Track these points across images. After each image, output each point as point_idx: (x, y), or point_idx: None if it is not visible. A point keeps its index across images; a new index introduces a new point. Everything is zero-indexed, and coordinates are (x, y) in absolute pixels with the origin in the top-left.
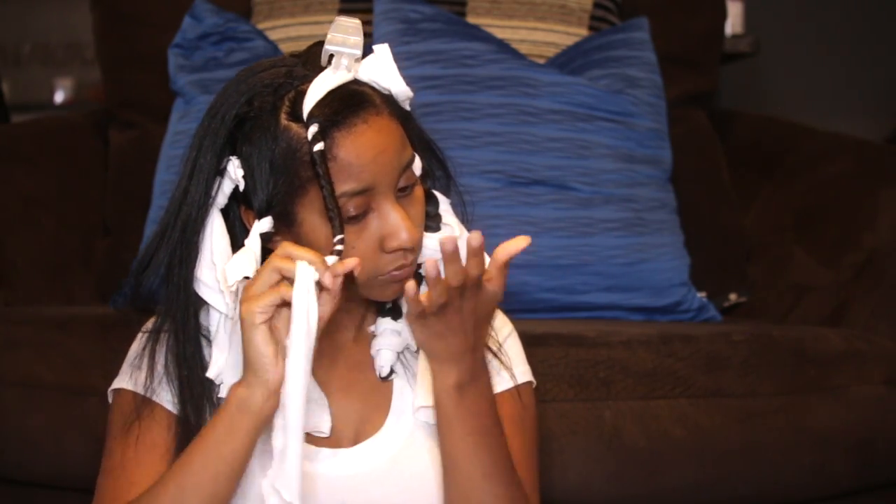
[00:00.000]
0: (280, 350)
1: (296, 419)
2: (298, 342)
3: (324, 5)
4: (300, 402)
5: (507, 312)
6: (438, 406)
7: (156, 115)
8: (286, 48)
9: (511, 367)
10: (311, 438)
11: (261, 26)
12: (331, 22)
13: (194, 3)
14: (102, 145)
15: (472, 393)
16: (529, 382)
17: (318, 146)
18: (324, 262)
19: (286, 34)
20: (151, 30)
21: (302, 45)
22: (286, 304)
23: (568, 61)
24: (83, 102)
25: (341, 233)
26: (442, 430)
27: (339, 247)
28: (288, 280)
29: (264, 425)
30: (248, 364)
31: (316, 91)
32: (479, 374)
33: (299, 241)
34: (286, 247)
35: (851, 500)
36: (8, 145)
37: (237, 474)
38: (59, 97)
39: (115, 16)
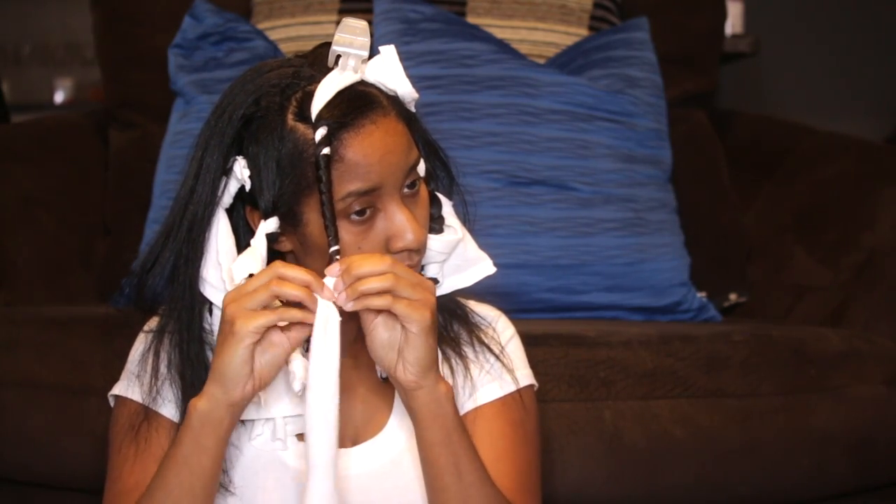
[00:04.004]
0: (254, 369)
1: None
2: (324, 380)
3: (324, 5)
4: (332, 443)
5: (507, 313)
6: (436, 422)
7: (156, 115)
8: (286, 48)
9: (513, 370)
10: None
11: (261, 26)
12: (331, 22)
13: (194, 3)
14: (102, 145)
15: (453, 394)
16: (531, 385)
17: (325, 150)
18: (318, 280)
19: (286, 34)
20: (151, 30)
21: (302, 45)
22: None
23: (568, 61)
24: (83, 102)
25: (337, 243)
26: (440, 447)
27: (336, 257)
28: (282, 302)
29: (229, 434)
30: (218, 377)
31: (324, 92)
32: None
33: (305, 241)
34: (279, 267)
35: (851, 500)
36: (8, 145)
37: (213, 483)
38: (59, 97)
39: (115, 16)
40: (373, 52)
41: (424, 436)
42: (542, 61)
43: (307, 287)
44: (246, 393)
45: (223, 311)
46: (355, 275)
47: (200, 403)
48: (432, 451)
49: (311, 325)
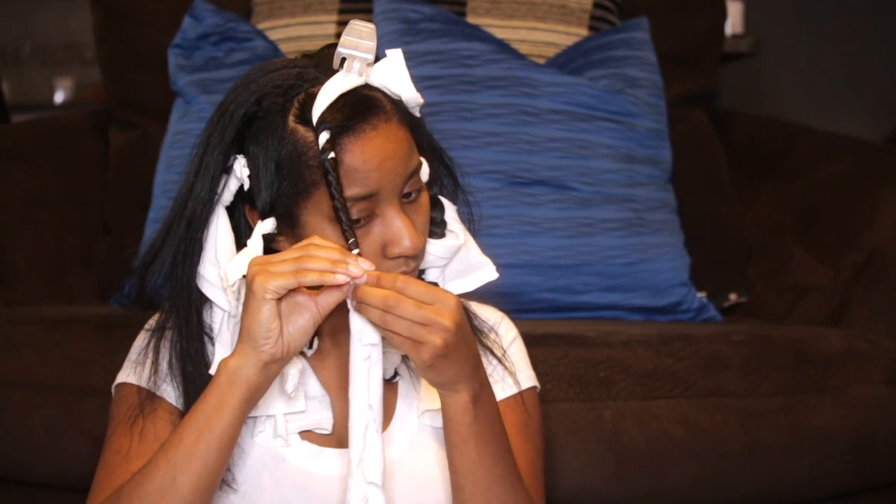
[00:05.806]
0: (283, 329)
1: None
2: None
3: (324, 5)
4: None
5: (507, 313)
6: (451, 426)
7: (156, 115)
8: (286, 48)
9: (515, 373)
10: (314, 438)
11: (261, 26)
12: (331, 22)
13: (194, 3)
14: (102, 145)
15: (484, 402)
16: (533, 387)
17: (330, 155)
18: (348, 254)
19: (286, 34)
20: (151, 30)
21: (302, 45)
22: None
23: (568, 61)
24: (83, 102)
25: (357, 246)
26: (455, 449)
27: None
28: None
29: (255, 398)
30: (247, 334)
31: (326, 95)
32: (486, 381)
33: None
34: (314, 239)
35: (851, 500)
36: (8, 145)
37: (228, 447)
38: (59, 97)
39: (115, 16)
40: (379, 54)
41: (443, 432)
42: (542, 61)
43: (333, 262)
44: (276, 352)
45: (247, 271)
46: (359, 298)
47: (231, 360)
48: (448, 450)
49: (338, 290)
